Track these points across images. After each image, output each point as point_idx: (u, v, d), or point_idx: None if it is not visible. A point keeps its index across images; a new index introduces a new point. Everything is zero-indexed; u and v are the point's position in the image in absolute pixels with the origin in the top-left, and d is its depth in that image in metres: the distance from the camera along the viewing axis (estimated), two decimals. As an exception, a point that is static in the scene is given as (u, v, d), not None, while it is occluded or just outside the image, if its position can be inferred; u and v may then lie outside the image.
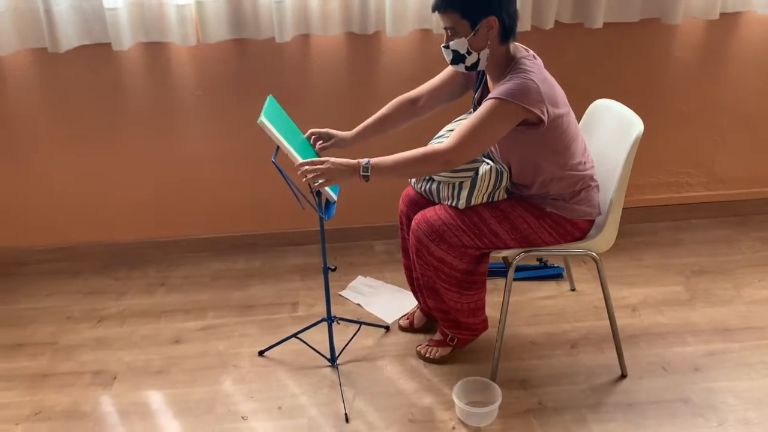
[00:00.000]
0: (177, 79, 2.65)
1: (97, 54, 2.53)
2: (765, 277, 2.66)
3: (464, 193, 1.98)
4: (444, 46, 1.90)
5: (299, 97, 2.71)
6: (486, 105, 1.82)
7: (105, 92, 2.64)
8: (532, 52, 1.95)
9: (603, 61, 2.75)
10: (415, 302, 2.47)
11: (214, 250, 2.97)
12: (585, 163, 2.01)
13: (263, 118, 1.79)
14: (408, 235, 2.16)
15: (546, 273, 2.72)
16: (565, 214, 2.00)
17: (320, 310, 2.54)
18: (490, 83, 2.00)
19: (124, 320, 2.54)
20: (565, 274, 2.68)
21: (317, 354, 2.25)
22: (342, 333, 2.35)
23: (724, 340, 2.31)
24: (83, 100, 2.65)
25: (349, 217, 2.94)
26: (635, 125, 1.95)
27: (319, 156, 2.04)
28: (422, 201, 2.19)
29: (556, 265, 2.73)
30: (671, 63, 2.77)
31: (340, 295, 2.64)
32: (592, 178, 2.03)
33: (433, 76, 2.76)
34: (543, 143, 1.91)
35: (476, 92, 2.09)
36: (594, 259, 2.06)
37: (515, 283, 2.68)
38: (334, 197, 1.95)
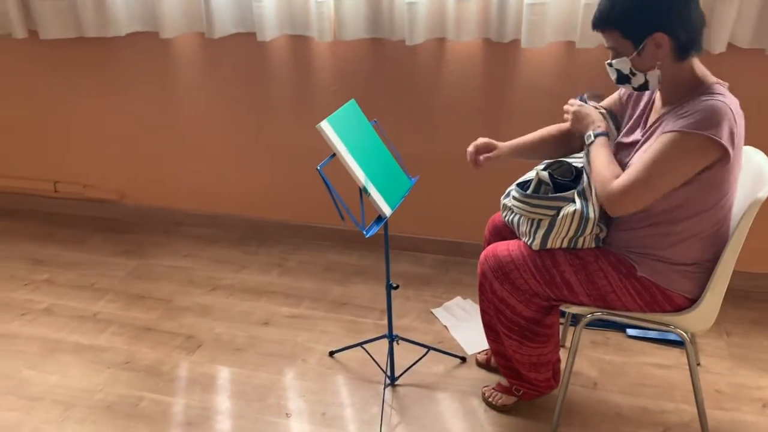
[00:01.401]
0: (316, 73, 2.72)
1: (247, 42, 2.69)
2: None
3: (540, 233, 1.76)
4: (607, 64, 1.65)
5: (429, 101, 2.63)
6: (664, 141, 1.52)
7: (252, 78, 2.81)
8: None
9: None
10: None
11: (335, 241, 3.03)
12: (721, 231, 1.64)
13: (325, 124, 1.75)
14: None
15: (671, 337, 2.32)
16: (660, 282, 1.67)
17: (406, 322, 2.46)
18: (659, 103, 1.68)
19: (232, 293, 2.71)
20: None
21: (381, 369, 2.19)
22: (418, 352, 2.25)
23: None
24: (234, 83, 2.84)
25: (473, 232, 2.78)
26: (766, 185, 1.55)
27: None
28: (506, 231, 2.00)
29: (685, 330, 2.32)
30: None
31: (431, 312, 2.53)
32: (715, 252, 1.66)
33: (574, 92, 2.50)
34: (697, 191, 1.58)
35: (640, 111, 1.77)
36: (683, 339, 1.69)
37: (628, 341, 2.34)
38: (387, 213, 1.84)
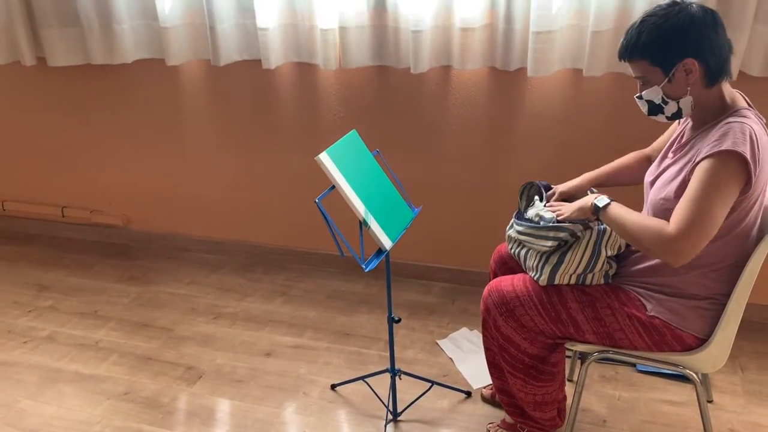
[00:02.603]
0: (321, 100, 2.70)
1: (253, 69, 2.69)
2: None
3: (548, 268, 1.71)
4: (637, 97, 1.61)
5: (434, 129, 2.60)
6: (702, 169, 1.45)
7: (258, 105, 2.80)
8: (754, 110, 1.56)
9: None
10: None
11: (340, 268, 3.00)
12: (739, 264, 1.58)
13: (324, 156, 1.72)
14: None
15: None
16: (671, 321, 1.61)
17: (411, 354, 2.41)
18: (690, 131, 1.63)
19: (234, 322, 2.67)
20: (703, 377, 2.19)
21: (383, 404, 2.14)
22: (423, 385, 2.20)
23: None
24: (239, 110, 2.83)
25: (481, 260, 2.73)
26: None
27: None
28: (512, 262, 1.95)
29: (698, 365, 2.25)
30: None
31: (436, 343, 2.48)
32: (731, 288, 1.60)
33: (586, 119, 2.48)
34: None
35: (673, 138, 1.72)
36: (692, 380, 1.63)
37: (639, 375, 2.27)
38: (387, 246, 1.80)
